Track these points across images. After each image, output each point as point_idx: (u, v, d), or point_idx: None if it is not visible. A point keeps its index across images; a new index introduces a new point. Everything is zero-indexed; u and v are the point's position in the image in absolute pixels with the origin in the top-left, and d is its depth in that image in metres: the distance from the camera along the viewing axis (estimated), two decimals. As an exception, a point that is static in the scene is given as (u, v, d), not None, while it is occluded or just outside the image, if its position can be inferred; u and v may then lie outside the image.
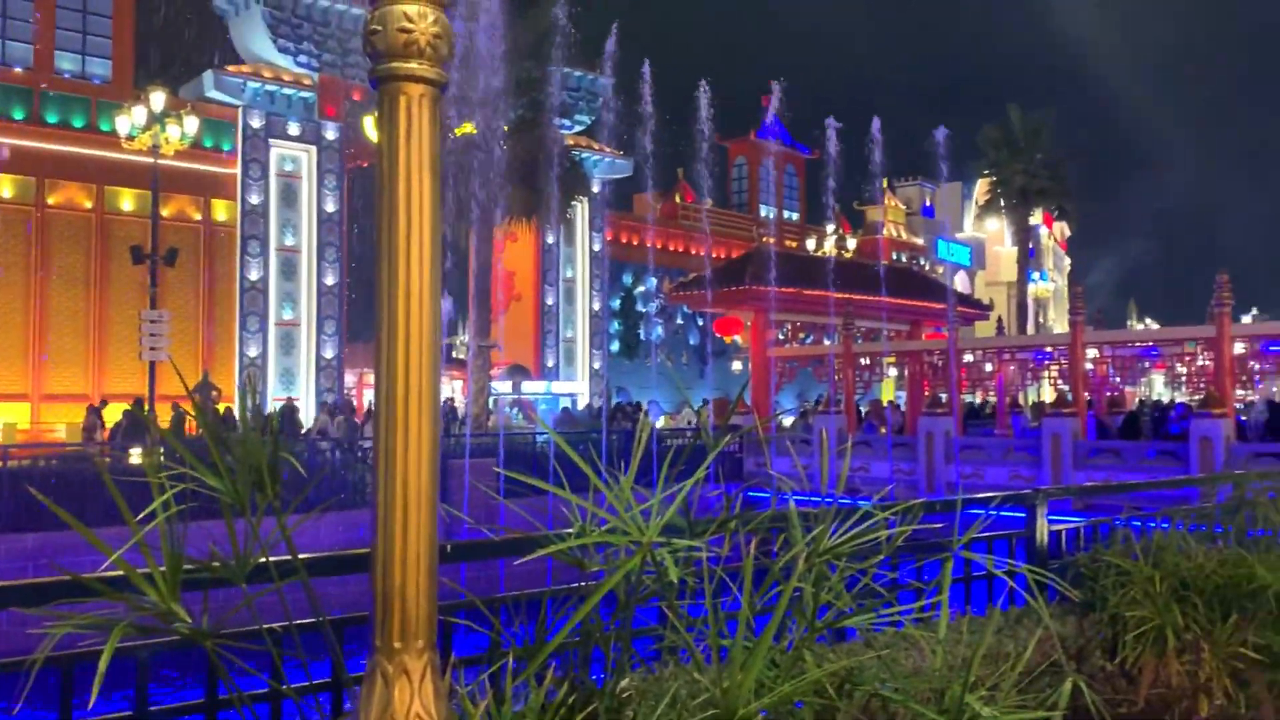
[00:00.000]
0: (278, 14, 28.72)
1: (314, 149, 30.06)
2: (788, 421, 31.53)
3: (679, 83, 26.34)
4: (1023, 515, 5.65)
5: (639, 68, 25.18)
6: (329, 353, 30.07)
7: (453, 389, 33.54)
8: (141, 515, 1.77)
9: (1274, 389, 33.54)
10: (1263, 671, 4.18)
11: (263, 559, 1.99)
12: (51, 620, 1.74)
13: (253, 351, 28.83)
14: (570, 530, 2.08)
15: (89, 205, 27.75)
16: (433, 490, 1.85)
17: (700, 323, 43.95)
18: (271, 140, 29.34)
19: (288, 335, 29.68)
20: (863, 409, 26.43)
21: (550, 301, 36.42)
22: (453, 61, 1.93)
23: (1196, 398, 18.30)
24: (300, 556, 2.06)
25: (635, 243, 43.90)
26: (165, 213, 25.88)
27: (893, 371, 27.51)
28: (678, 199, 47.69)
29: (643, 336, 44.06)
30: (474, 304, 22.41)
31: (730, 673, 1.95)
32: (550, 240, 35.66)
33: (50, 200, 27.24)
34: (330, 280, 30.20)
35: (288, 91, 29.24)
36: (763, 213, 52.42)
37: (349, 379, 32.08)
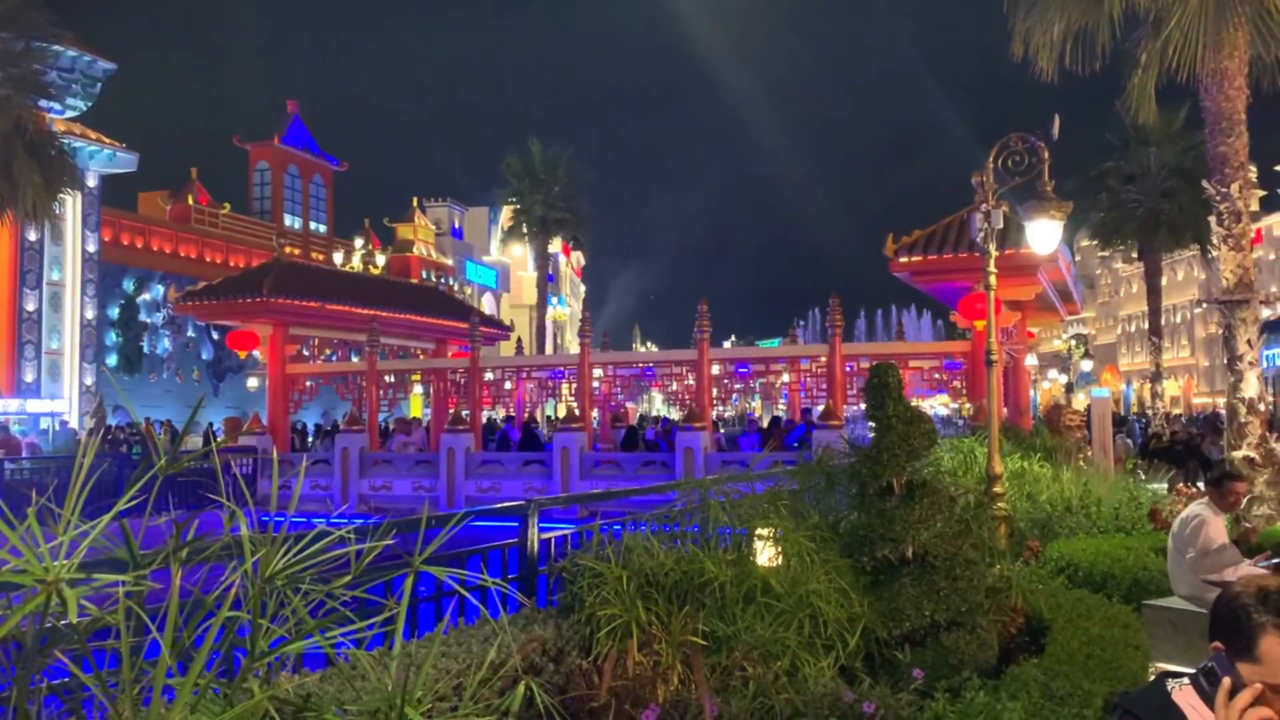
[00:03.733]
0: None
1: None
2: (312, 441, 30.41)
3: (201, 79, 24.46)
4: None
5: (153, 57, 23.00)
6: None
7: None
8: None
9: (748, 405, 38.75)
10: (707, 655, 4.75)
11: None
12: None
13: None
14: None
15: None
16: None
17: (215, 336, 40.92)
18: None
19: None
20: (390, 426, 26.26)
21: (31, 307, 31.78)
22: None
23: (684, 413, 20.57)
24: None
25: (140, 245, 39.90)
26: None
27: (419, 389, 27.65)
28: (191, 200, 44.14)
29: (147, 349, 40.07)
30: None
31: (154, 714, 1.80)
32: (33, 237, 31.17)
33: None
34: None
35: None
36: (288, 223, 50.27)
37: None
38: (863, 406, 7.46)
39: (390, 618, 2.55)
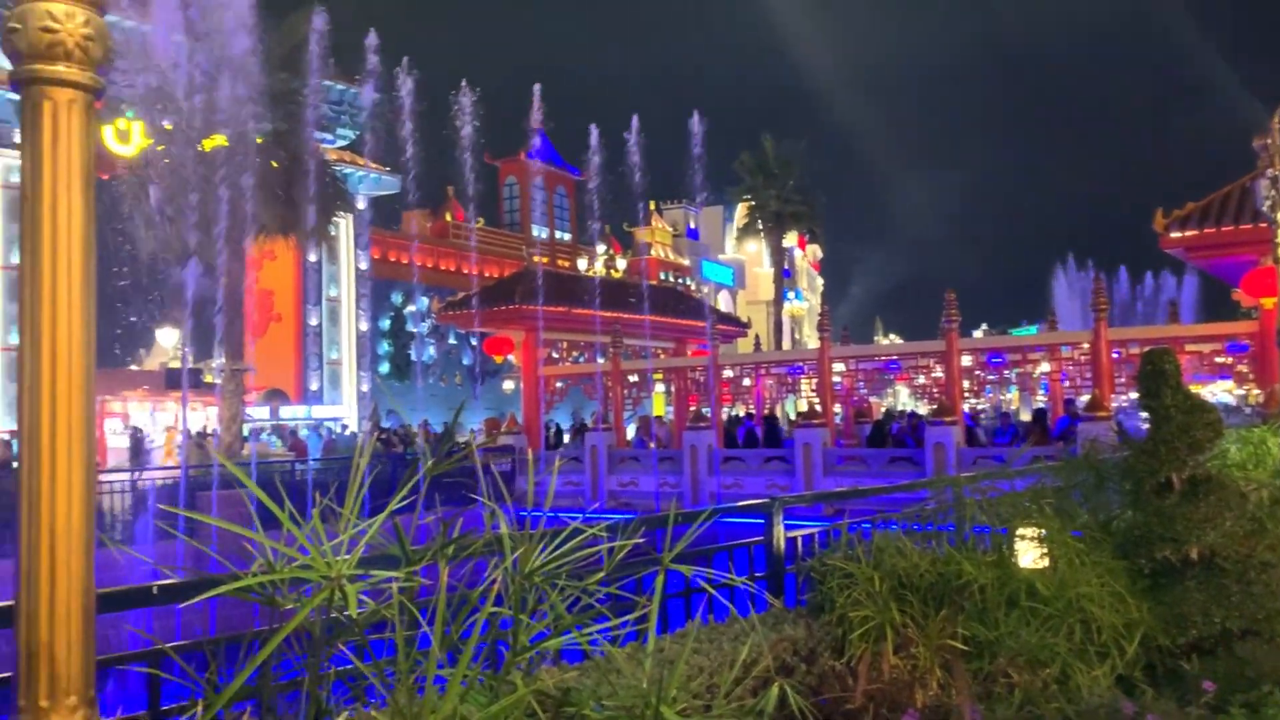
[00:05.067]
0: None
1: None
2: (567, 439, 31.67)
3: (449, 99, 26.05)
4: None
5: (407, 83, 24.72)
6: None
7: (207, 415, 31.57)
8: None
9: (1001, 397, 36.86)
10: (968, 660, 4.53)
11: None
12: None
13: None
14: (249, 570, 1.96)
15: None
16: (86, 535, 1.70)
17: (474, 343, 43.51)
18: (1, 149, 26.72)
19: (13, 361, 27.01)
20: (634, 425, 26.94)
21: (314, 322, 34.98)
22: (110, 65, 1.79)
23: (933, 406, 19.80)
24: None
25: (405, 261, 42.97)
26: None
27: (661, 387, 28.21)
28: (448, 217, 47.09)
29: (414, 357, 43.11)
30: (226, 325, 21.18)
31: (427, 703, 1.90)
32: (313, 258, 34.30)
33: None
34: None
35: (13, 96, 26.73)
36: (535, 232, 52.62)
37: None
38: (1132, 396, 6.90)
39: (642, 615, 2.58)
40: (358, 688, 2.08)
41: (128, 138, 26.25)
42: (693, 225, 66.05)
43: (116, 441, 28.02)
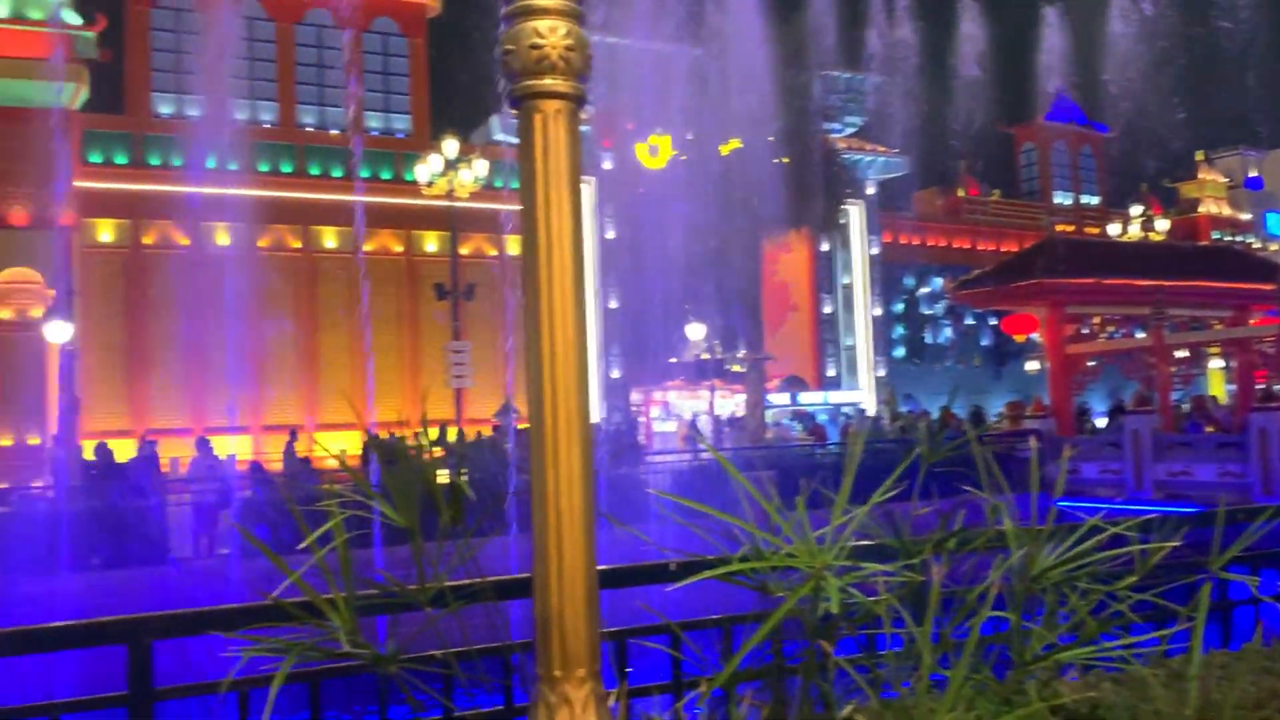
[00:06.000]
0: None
1: (594, 180, 31.38)
2: (1100, 424, 29.08)
3: (951, 73, 25.22)
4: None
5: (909, 64, 24.39)
6: (615, 374, 31.18)
7: (735, 403, 33.83)
8: (306, 542, 1.84)
9: None
10: None
11: (440, 584, 2.02)
12: (244, 644, 1.84)
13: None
14: (733, 555, 1.96)
15: (399, 249, 30.53)
16: (587, 514, 1.80)
17: (993, 322, 41.67)
18: (553, 175, 30.93)
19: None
20: (1184, 406, 23.97)
21: (828, 310, 35.89)
22: (588, 74, 1.88)
23: None
24: (479, 581, 2.07)
25: (917, 243, 42.37)
26: (464, 251, 27.93)
27: (1217, 363, 24.76)
28: (961, 193, 45.56)
29: (929, 340, 42.35)
30: (746, 317, 22.46)
31: (921, 705, 1.76)
32: (825, 247, 35.17)
33: (366, 247, 30.22)
34: (613, 304, 31.36)
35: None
36: (1057, 200, 49.00)
37: (635, 397, 33.14)
38: None
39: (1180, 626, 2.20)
40: (857, 680, 2.00)
41: (657, 153, 28.97)
42: (1254, 173, 57.07)
43: (661, 427, 31.13)
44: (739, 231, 20.75)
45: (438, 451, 2.05)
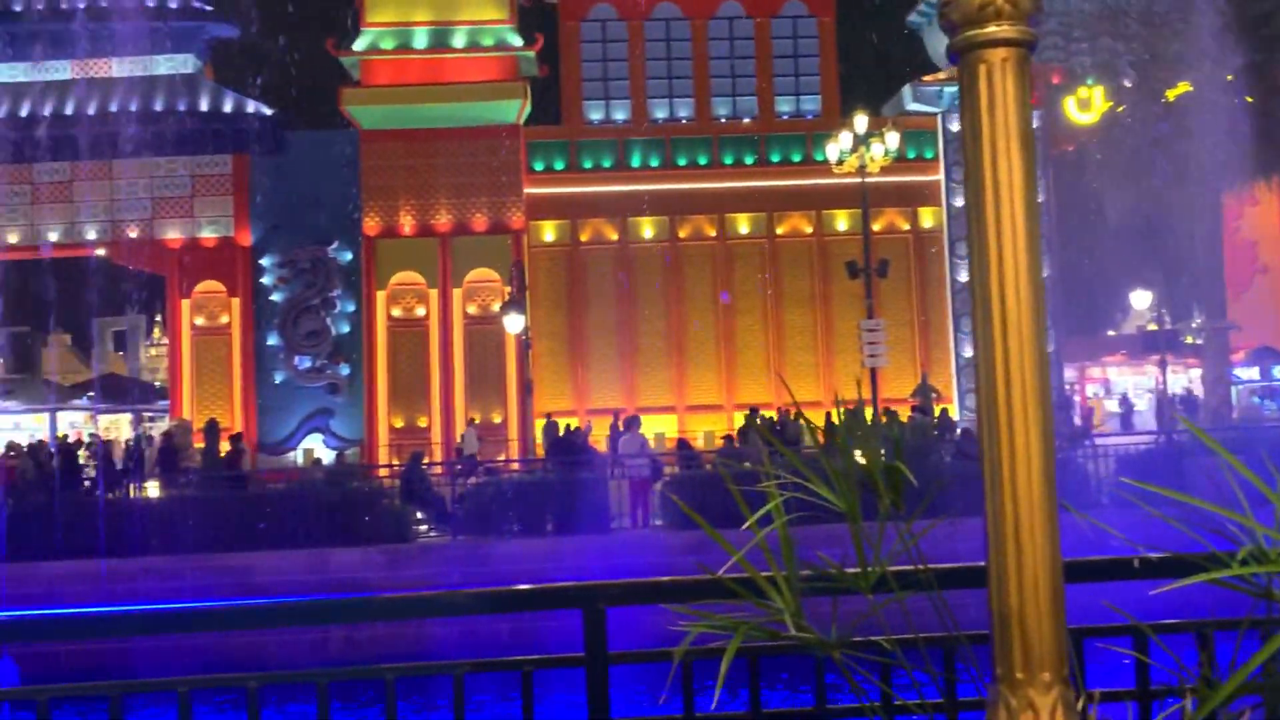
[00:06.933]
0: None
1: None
2: None
3: None
4: None
5: None
6: (1048, 347, 28.89)
7: (1189, 378, 30.29)
8: (748, 521, 1.84)
9: None
10: None
11: (885, 569, 1.95)
12: (690, 619, 1.88)
13: (968, 352, 29.15)
14: (1222, 553, 1.69)
15: (809, 230, 30.72)
16: (1049, 503, 1.64)
17: None
18: (971, 140, 29.45)
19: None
20: None
21: None
22: (1040, 13, 1.69)
23: None
24: (924, 568, 1.97)
25: None
26: (876, 227, 27.48)
27: None
28: None
29: None
30: (1203, 282, 19.82)
31: None
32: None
33: (778, 230, 30.77)
34: (1045, 272, 29.22)
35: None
36: None
37: (1068, 374, 30.74)
38: None
39: None
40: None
41: (1089, 105, 26.55)
42: None
43: (1109, 406, 28.65)
44: (1191, 186, 18.28)
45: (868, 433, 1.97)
